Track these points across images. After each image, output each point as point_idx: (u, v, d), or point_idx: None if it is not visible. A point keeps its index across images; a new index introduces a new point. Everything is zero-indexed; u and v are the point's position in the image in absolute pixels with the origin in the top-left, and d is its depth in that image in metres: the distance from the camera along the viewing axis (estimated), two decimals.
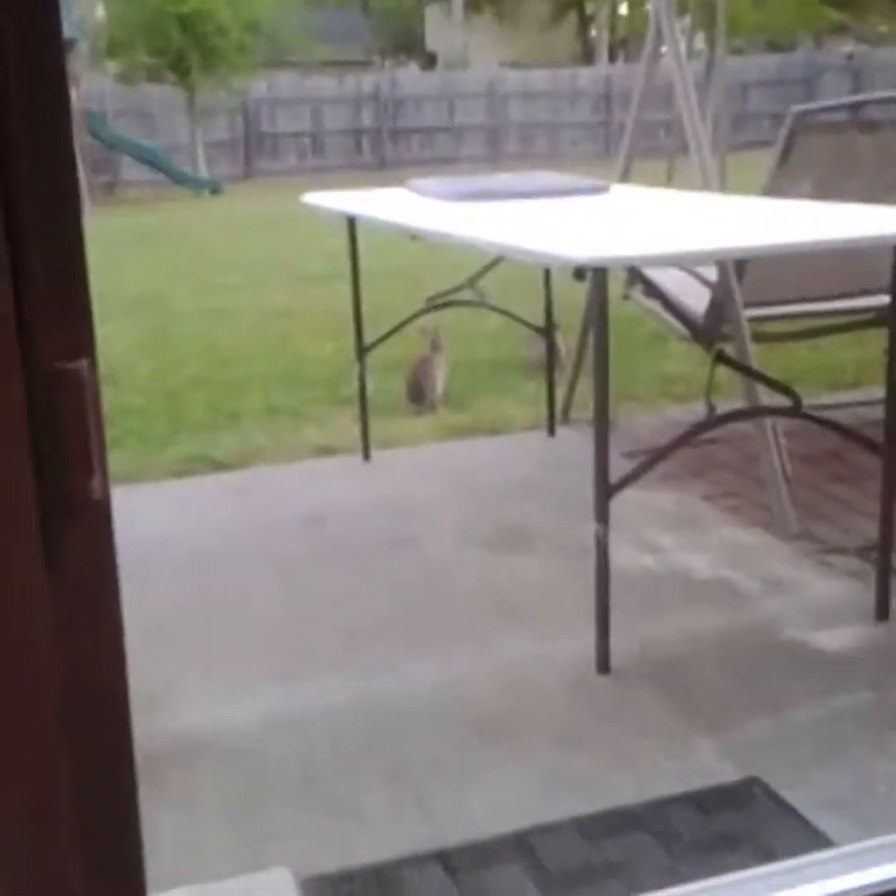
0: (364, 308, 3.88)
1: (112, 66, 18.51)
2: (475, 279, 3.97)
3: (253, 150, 19.38)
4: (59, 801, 0.87)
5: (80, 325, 0.88)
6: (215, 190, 16.67)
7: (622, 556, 2.51)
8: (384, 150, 19.94)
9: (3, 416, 0.83)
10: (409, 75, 24.02)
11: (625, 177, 3.99)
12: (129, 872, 0.93)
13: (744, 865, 1.69)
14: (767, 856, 1.75)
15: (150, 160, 16.34)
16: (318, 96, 19.70)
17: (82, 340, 0.88)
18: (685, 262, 3.20)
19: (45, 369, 0.85)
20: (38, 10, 0.74)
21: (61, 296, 0.85)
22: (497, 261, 3.86)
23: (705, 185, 3.52)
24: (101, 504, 0.91)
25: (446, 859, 1.78)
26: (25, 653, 0.85)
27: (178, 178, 16.63)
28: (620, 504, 2.40)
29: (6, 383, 0.83)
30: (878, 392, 3.98)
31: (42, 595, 0.85)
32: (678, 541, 3.21)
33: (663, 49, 3.78)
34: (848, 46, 24.42)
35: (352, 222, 3.70)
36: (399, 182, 3.88)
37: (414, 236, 3.23)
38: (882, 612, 2.68)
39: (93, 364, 0.89)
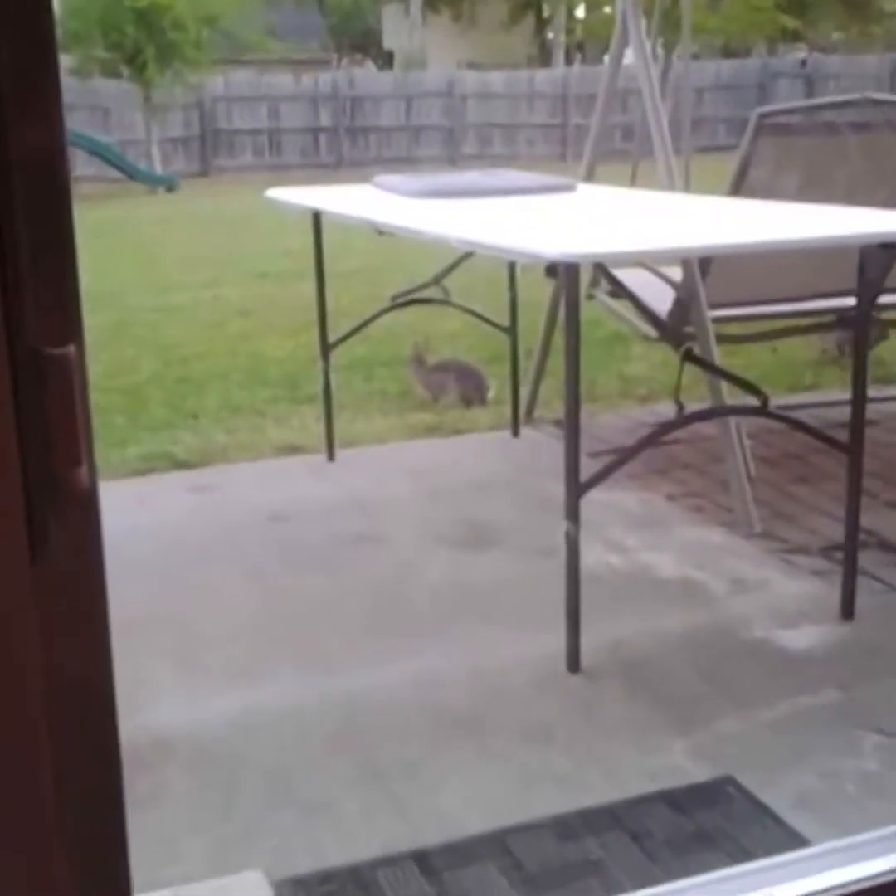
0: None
1: (66, 59, 18.29)
2: (441, 277, 3.94)
3: (209, 147, 19.24)
4: (42, 796, 0.85)
5: (68, 311, 0.85)
6: (171, 187, 16.52)
7: (588, 555, 2.51)
8: (341, 148, 19.87)
9: None
10: (367, 74, 23.95)
11: (589, 177, 3.99)
12: (115, 872, 0.91)
13: (720, 865, 1.69)
14: (744, 855, 1.75)
15: (105, 156, 16.15)
16: (275, 94, 19.60)
17: (70, 326, 0.86)
18: (657, 259, 3.20)
19: (33, 354, 0.82)
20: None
21: (50, 281, 0.82)
22: (462, 259, 3.84)
23: (671, 186, 3.52)
24: (87, 494, 0.88)
25: (423, 859, 1.76)
26: (8, 646, 0.83)
27: (134, 175, 16.47)
28: (585, 503, 2.39)
29: None
30: (836, 394, 4.02)
31: (26, 586, 0.82)
32: (643, 540, 3.21)
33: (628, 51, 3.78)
34: (801, 53, 24.69)
35: (317, 218, 3.66)
36: (357, 181, 3.85)
37: (381, 231, 3.20)
38: (847, 611, 2.69)
39: (81, 350, 0.86)
